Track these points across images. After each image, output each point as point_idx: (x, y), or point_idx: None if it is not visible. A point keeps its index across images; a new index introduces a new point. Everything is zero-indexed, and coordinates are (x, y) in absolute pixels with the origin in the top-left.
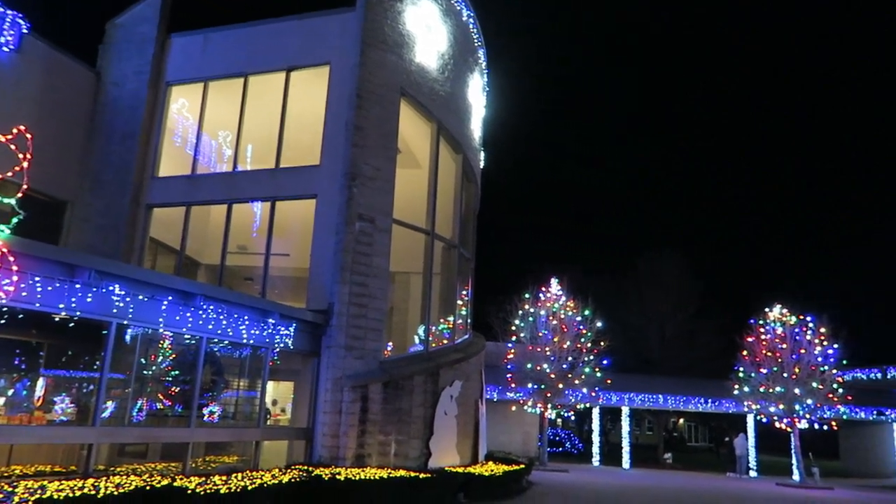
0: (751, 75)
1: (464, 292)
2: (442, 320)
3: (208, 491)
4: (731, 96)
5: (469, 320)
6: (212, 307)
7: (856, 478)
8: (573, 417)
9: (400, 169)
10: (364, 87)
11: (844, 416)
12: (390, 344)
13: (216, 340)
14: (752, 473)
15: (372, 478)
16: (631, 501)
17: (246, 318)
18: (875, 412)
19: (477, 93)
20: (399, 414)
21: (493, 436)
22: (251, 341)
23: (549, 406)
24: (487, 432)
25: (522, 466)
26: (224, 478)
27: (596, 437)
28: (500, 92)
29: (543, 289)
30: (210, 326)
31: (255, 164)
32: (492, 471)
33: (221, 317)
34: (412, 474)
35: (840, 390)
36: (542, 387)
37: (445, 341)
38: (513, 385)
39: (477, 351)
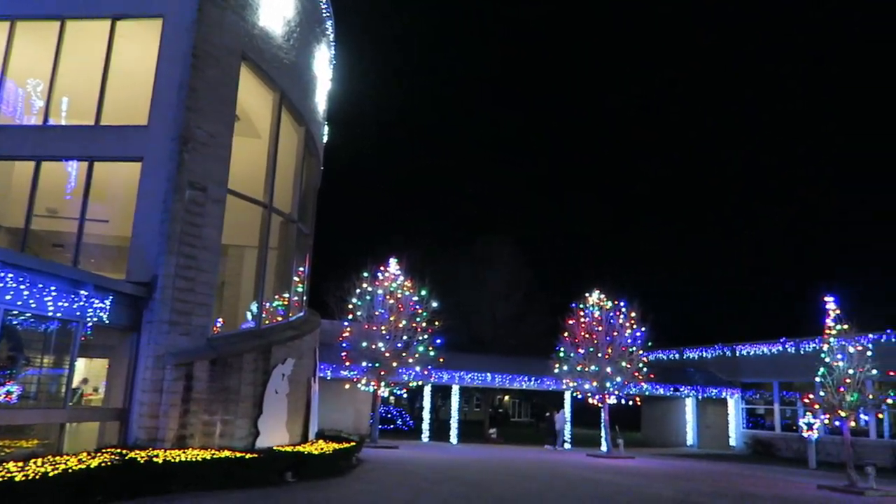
0: (584, 62)
1: (301, 269)
2: (277, 297)
3: None
4: (580, 81)
5: (305, 298)
6: (11, 275)
7: (654, 447)
8: (405, 395)
9: (238, 137)
10: (201, 47)
11: (647, 392)
12: (220, 320)
13: (16, 313)
14: (567, 446)
15: (193, 459)
16: (454, 473)
17: (53, 288)
18: (672, 388)
19: (323, 65)
20: (227, 393)
21: (324, 414)
22: (59, 314)
23: (383, 384)
24: (319, 410)
25: (353, 444)
26: (20, 464)
27: (427, 414)
28: (347, 67)
29: (382, 268)
30: (8, 297)
31: (72, 119)
32: (321, 449)
33: (23, 286)
34: (237, 454)
35: (644, 369)
36: (377, 365)
37: (279, 318)
38: (347, 363)
39: (312, 329)
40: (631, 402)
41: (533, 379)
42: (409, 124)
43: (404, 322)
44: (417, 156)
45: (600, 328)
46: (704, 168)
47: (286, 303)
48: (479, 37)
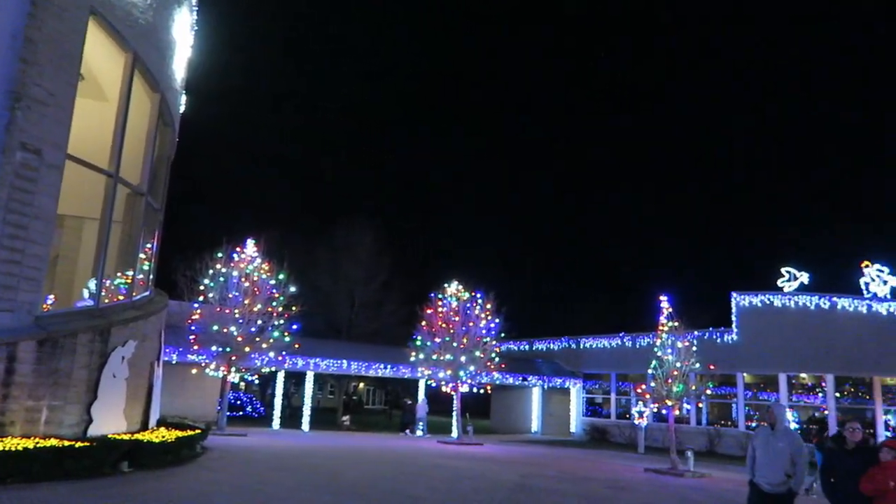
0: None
1: (148, 245)
2: (119, 274)
3: None
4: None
5: (152, 276)
6: None
7: (502, 434)
8: (257, 381)
9: (82, 99)
10: None
11: (497, 382)
12: (52, 297)
13: None
14: (419, 433)
15: (12, 449)
16: (304, 460)
17: None
18: (521, 378)
19: (184, 30)
20: (56, 376)
21: (168, 400)
22: None
23: (234, 370)
24: (163, 397)
25: (198, 432)
26: None
27: (278, 401)
28: (215, 35)
29: (238, 249)
30: None
31: None
32: (162, 437)
33: None
34: (66, 443)
35: (497, 359)
36: (228, 350)
37: (121, 297)
38: (196, 347)
39: (157, 310)
40: (482, 391)
41: (389, 366)
42: (277, 100)
43: (259, 306)
44: (281, 134)
45: (457, 318)
46: (554, 166)
47: (130, 281)
48: (342, 13)
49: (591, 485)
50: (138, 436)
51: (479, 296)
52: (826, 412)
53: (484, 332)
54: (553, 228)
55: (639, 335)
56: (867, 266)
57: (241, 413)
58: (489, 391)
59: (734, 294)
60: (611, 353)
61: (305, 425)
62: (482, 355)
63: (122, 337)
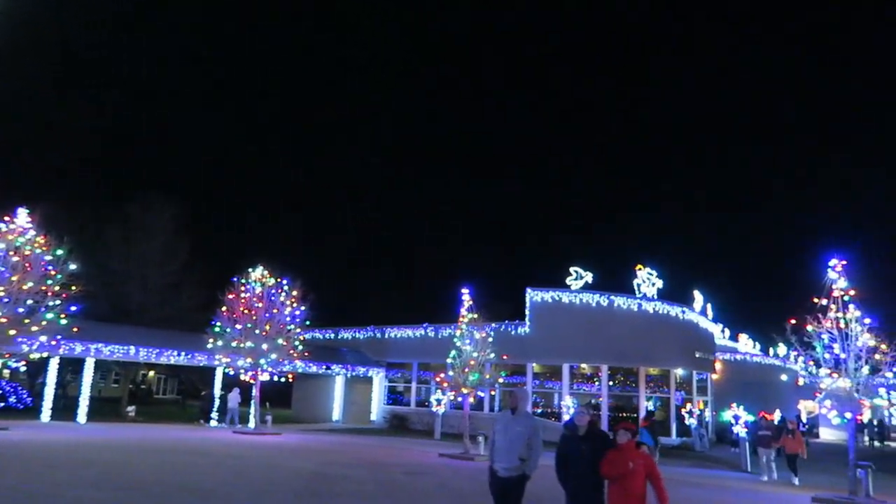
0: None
1: None
2: None
3: None
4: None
5: None
6: None
7: (303, 423)
8: (23, 369)
9: None
10: None
11: (300, 370)
12: None
13: None
14: (214, 423)
15: None
16: (77, 455)
17: None
18: (325, 367)
19: None
20: None
21: None
22: None
23: None
24: None
25: None
26: None
27: (50, 390)
28: None
29: (7, 219)
30: None
31: None
32: None
33: None
34: None
35: (300, 347)
36: None
37: None
38: None
39: None
40: (283, 379)
41: (183, 353)
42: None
43: (31, 284)
44: (77, 99)
45: (260, 304)
46: (367, 154)
47: None
48: None
49: (388, 470)
50: None
51: (285, 282)
52: (601, 399)
53: (288, 319)
54: (364, 219)
55: (441, 326)
56: (640, 269)
57: (2, 404)
58: (291, 380)
59: (528, 289)
60: (414, 343)
61: (82, 417)
62: (285, 343)
63: None
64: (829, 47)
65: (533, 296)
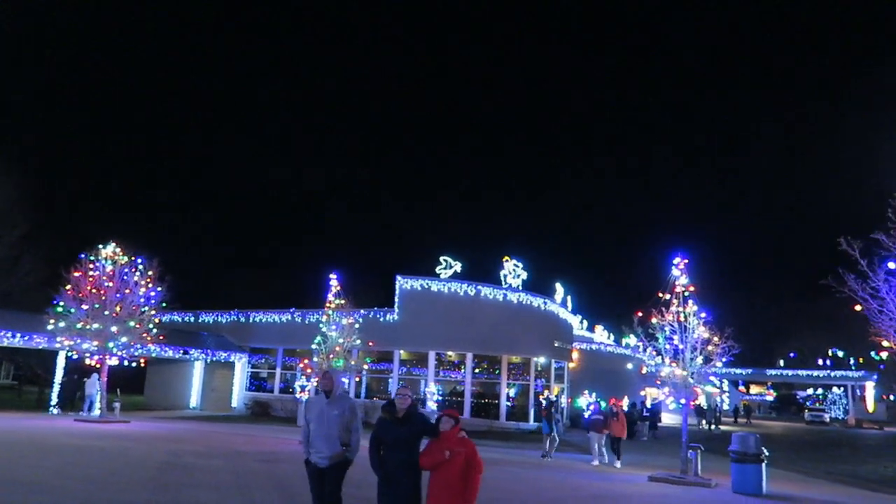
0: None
1: None
2: None
3: None
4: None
5: None
6: None
7: (157, 410)
8: None
9: None
10: None
11: (154, 354)
12: None
13: None
14: (55, 411)
15: None
16: None
17: None
18: (182, 351)
19: None
20: None
21: None
22: None
23: None
24: None
25: None
26: None
27: None
28: None
29: None
30: None
31: None
32: None
33: None
34: None
35: (155, 330)
36: None
37: None
38: None
39: None
40: (135, 364)
41: (19, 335)
42: None
43: None
44: None
45: (111, 284)
46: (233, 133)
47: None
48: None
49: (244, 459)
50: None
51: (140, 261)
52: (464, 387)
53: (143, 300)
54: (232, 200)
55: (309, 311)
56: (507, 261)
57: None
58: (144, 365)
59: (398, 277)
60: (280, 328)
61: None
62: (138, 326)
63: None
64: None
65: (403, 283)
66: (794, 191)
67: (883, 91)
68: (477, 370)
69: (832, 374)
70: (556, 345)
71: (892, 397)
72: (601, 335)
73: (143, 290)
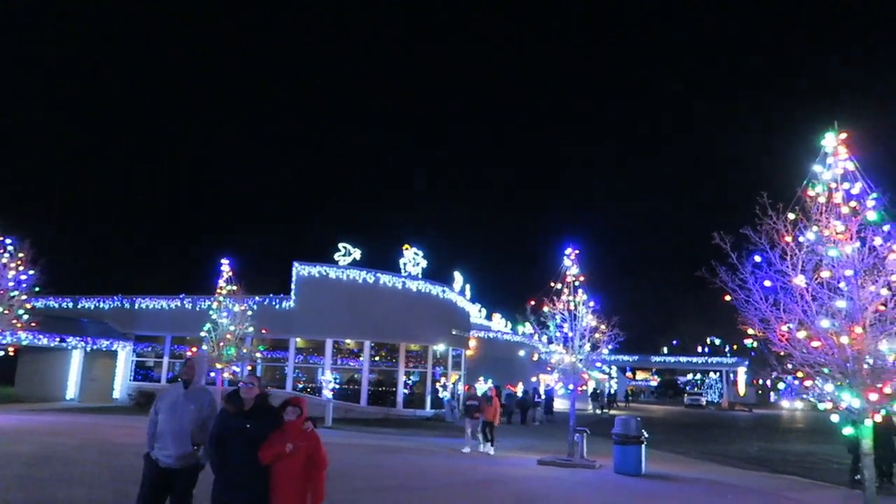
0: None
1: None
2: None
3: None
4: None
5: None
6: None
7: (29, 403)
8: None
9: None
10: None
11: (26, 342)
12: None
13: None
14: None
15: None
16: None
17: None
18: (58, 339)
19: None
20: None
21: None
22: None
23: None
24: None
25: None
26: None
27: None
28: None
29: None
30: None
31: None
32: None
33: None
34: None
35: (26, 317)
36: None
37: None
38: None
39: None
40: (4, 353)
41: None
42: None
43: None
44: None
45: None
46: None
47: None
48: None
49: (123, 453)
50: None
51: (9, 242)
52: (361, 375)
53: (12, 284)
54: (120, 180)
55: (200, 298)
56: (407, 249)
57: None
58: (13, 353)
59: (295, 263)
60: (168, 315)
61: None
62: (7, 312)
63: None
64: None
65: (300, 270)
66: (680, 186)
67: (768, 105)
68: (375, 358)
69: (709, 360)
70: (453, 332)
71: (760, 381)
72: (499, 323)
73: (12, 272)
